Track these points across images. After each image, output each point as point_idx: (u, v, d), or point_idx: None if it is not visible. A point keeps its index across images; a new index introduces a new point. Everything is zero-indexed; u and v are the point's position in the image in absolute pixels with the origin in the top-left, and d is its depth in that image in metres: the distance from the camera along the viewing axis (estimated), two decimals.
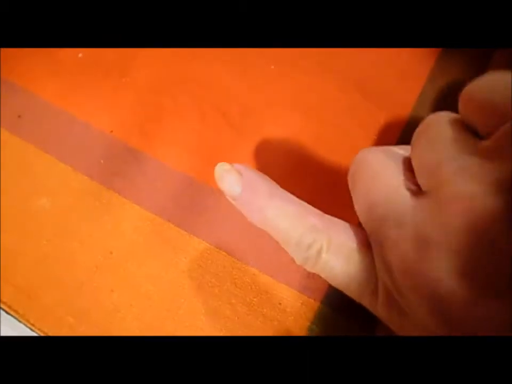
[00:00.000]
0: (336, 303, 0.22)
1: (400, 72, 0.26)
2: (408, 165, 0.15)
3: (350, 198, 0.23)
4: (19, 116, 0.26)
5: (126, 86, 0.26)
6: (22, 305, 0.22)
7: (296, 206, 0.17)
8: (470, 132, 0.14)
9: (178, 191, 0.24)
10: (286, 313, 0.22)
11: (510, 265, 0.11)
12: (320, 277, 0.22)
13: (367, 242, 0.16)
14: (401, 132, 0.25)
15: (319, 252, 0.16)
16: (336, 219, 0.17)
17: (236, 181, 0.17)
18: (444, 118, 0.15)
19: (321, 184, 0.24)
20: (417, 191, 0.14)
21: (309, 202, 0.18)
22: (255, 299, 0.22)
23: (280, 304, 0.22)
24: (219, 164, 0.18)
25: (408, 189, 0.14)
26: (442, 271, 0.12)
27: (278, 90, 0.25)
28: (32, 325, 0.22)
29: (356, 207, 0.16)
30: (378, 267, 0.15)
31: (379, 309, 0.15)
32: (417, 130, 0.15)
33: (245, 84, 0.26)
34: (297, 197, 0.18)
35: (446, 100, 0.25)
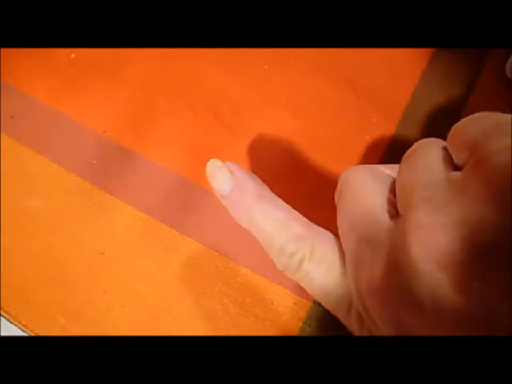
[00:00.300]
0: None
1: (393, 71, 0.26)
2: (392, 187, 0.15)
3: None
4: (12, 117, 0.26)
5: (118, 86, 0.26)
6: (14, 306, 0.22)
7: (283, 212, 0.17)
8: (451, 162, 0.14)
9: (170, 191, 0.24)
10: (279, 313, 0.22)
11: (465, 300, 0.11)
12: None
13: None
14: (394, 131, 0.24)
15: (300, 261, 0.16)
16: (322, 229, 0.17)
17: (226, 178, 0.17)
18: (430, 144, 0.15)
19: (313, 183, 0.24)
20: (395, 214, 0.14)
21: (300, 202, 0.18)
22: (247, 299, 0.22)
23: (272, 304, 0.22)
24: (211, 160, 0.18)
25: (388, 212, 0.14)
26: (400, 300, 0.12)
27: (270, 90, 0.25)
28: (24, 326, 0.22)
29: (338, 223, 0.16)
30: (350, 285, 0.15)
31: (352, 325, 0.15)
32: (405, 154, 0.15)
33: (238, 83, 0.26)
34: (289, 196, 0.18)
35: (439, 98, 0.25)
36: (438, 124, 0.25)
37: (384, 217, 0.14)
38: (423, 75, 0.26)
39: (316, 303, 0.22)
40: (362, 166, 0.16)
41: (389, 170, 0.16)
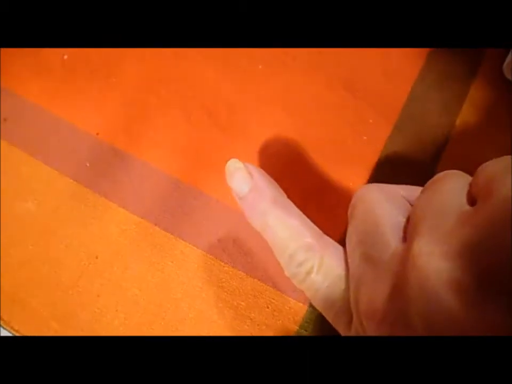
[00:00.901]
0: None
1: (389, 71, 0.25)
2: (406, 212, 0.15)
3: (336, 199, 0.23)
4: (4, 119, 0.25)
5: (112, 87, 0.26)
6: (6, 311, 0.22)
7: (297, 220, 0.17)
8: (471, 199, 0.13)
9: (165, 193, 0.23)
10: (274, 317, 0.21)
11: (458, 327, 0.11)
12: None
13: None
14: (391, 131, 0.24)
15: (308, 272, 0.16)
16: (332, 242, 0.17)
17: (245, 180, 0.18)
18: (454, 176, 0.14)
19: (309, 184, 0.23)
20: (404, 239, 0.14)
21: (295, 203, 0.18)
22: (242, 303, 0.21)
23: (267, 308, 0.21)
24: (232, 160, 0.18)
25: (397, 236, 0.14)
26: (395, 324, 0.12)
27: (265, 90, 0.25)
28: (16, 331, 0.21)
29: (347, 238, 0.16)
30: (351, 302, 0.15)
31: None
32: (428, 182, 0.15)
33: (232, 83, 0.25)
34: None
35: (436, 98, 0.25)
36: (435, 123, 0.24)
37: (392, 240, 0.14)
38: (419, 75, 0.25)
39: (312, 307, 0.21)
40: (379, 184, 0.16)
41: (404, 191, 0.16)
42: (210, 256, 0.22)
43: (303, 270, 0.16)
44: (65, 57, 0.26)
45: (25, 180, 0.24)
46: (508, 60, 0.24)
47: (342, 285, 0.16)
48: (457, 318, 0.11)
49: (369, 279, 0.14)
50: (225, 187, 0.23)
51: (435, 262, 0.12)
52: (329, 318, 0.16)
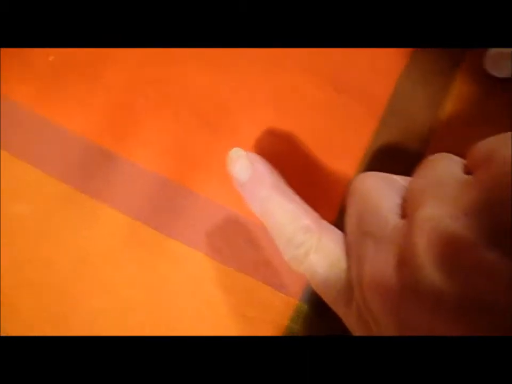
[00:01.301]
0: (315, 301, 0.22)
1: (375, 68, 0.26)
2: (404, 195, 0.15)
3: (327, 197, 0.23)
4: None
5: (99, 88, 0.26)
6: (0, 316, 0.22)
7: (295, 204, 0.18)
8: (465, 171, 0.14)
9: (154, 193, 0.23)
10: (265, 312, 0.22)
11: (475, 288, 0.11)
12: (298, 275, 0.22)
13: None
14: (377, 127, 0.25)
15: (307, 252, 0.16)
16: (330, 225, 0.18)
17: (246, 167, 0.19)
18: (444, 157, 0.15)
19: (300, 182, 0.24)
20: (403, 216, 0.14)
21: None
22: (233, 299, 0.22)
23: (259, 303, 0.22)
24: (234, 149, 0.19)
25: (396, 214, 0.15)
26: (401, 292, 0.13)
27: (254, 90, 0.25)
28: (8, 334, 0.21)
29: (346, 221, 0.17)
30: (352, 279, 0.15)
31: (350, 320, 0.16)
32: (419, 166, 0.16)
33: (220, 83, 0.25)
34: None
35: (421, 93, 0.25)
36: (420, 118, 0.25)
37: (391, 217, 0.14)
38: (404, 71, 0.26)
39: (302, 301, 0.22)
40: (378, 172, 0.17)
41: (404, 181, 0.16)
42: (201, 254, 0.22)
43: (302, 251, 0.16)
44: (51, 58, 0.26)
45: (13, 183, 0.24)
46: (488, 54, 0.25)
47: (341, 265, 0.16)
48: (473, 269, 0.11)
49: (371, 254, 0.14)
50: (214, 185, 0.24)
51: (444, 222, 0.12)
52: (329, 299, 0.17)
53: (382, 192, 0.15)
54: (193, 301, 0.22)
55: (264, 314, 0.21)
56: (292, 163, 0.24)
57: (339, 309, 0.16)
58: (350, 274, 0.16)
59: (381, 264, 0.13)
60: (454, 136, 0.24)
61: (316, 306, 0.22)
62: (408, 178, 0.16)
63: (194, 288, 0.22)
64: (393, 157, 0.24)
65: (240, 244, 0.22)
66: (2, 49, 0.27)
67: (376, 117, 0.25)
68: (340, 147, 0.24)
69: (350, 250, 0.16)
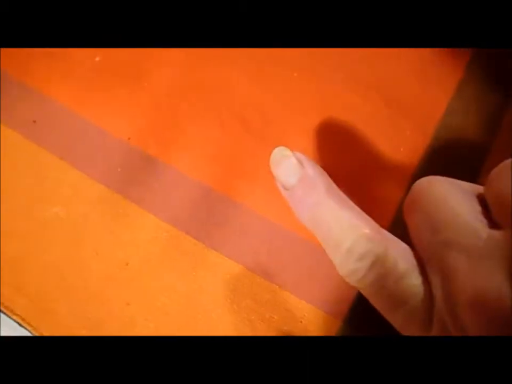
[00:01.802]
0: (358, 322, 0.21)
1: (426, 81, 0.25)
2: (479, 200, 0.14)
3: (376, 211, 0.23)
4: (34, 121, 0.25)
5: (143, 92, 0.25)
6: (35, 318, 0.21)
7: (353, 212, 0.15)
8: None
9: (196, 201, 0.23)
10: (307, 331, 0.21)
11: None
12: (342, 294, 0.21)
13: (424, 269, 0.14)
14: (428, 143, 0.24)
15: (372, 266, 0.14)
16: (394, 236, 0.15)
17: (294, 170, 0.16)
18: None
19: (347, 194, 0.23)
20: (492, 225, 0.13)
21: None
22: (275, 316, 0.21)
23: (301, 322, 0.21)
24: (279, 148, 0.17)
25: (481, 222, 0.13)
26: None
27: (300, 98, 0.25)
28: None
29: (413, 233, 0.15)
30: (436, 296, 0.14)
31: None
32: (497, 167, 0.14)
33: (266, 90, 0.25)
34: None
35: (474, 110, 0.24)
36: (474, 136, 0.24)
37: (480, 226, 0.13)
38: (458, 86, 0.25)
39: (345, 322, 0.21)
40: (440, 177, 0.15)
41: (471, 188, 0.14)
42: (243, 267, 0.22)
43: (365, 264, 0.14)
44: (97, 59, 0.26)
45: (54, 184, 0.24)
46: None
47: (414, 280, 0.14)
48: None
49: (465, 268, 0.12)
50: (258, 196, 0.23)
51: None
52: (396, 318, 0.14)
53: (458, 197, 0.14)
54: (231, 314, 0.21)
55: (306, 333, 0.21)
56: (338, 174, 0.23)
57: (411, 329, 0.14)
58: (428, 290, 0.14)
59: (484, 281, 0.12)
60: (509, 157, 0.23)
61: (359, 327, 0.21)
62: (474, 185, 0.15)
63: (234, 301, 0.21)
64: (446, 173, 0.23)
65: (283, 260, 0.22)
66: (46, 48, 0.26)
67: (428, 134, 0.24)
68: (390, 163, 0.23)
69: (428, 264, 0.14)
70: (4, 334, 0.21)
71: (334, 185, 0.16)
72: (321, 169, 0.17)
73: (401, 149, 0.23)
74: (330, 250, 0.15)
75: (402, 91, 0.25)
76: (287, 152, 0.17)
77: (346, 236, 0.14)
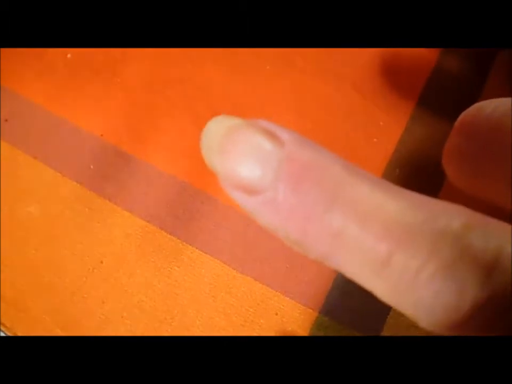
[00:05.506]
0: (335, 312, 0.21)
1: (399, 73, 0.25)
2: None
3: None
4: (6, 120, 0.25)
5: (116, 88, 0.25)
6: (9, 317, 0.21)
7: (413, 195, 0.09)
8: None
9: (171, 197, 0.23)
10: (283, 323, 0.21)
11: None
12: (318, 286, 0.21)
13: None
14: (401, 134, 0.24)
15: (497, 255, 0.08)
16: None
17: (263, 152, 0.09)
18: None
19: None
20: None
21: None
22: (251, 309, 0.21)
23: (276, 314, 0.21)
24: (216, 119, 0.10)
25: None
26: None
27: (273, 91, 0.25)
28: (17, 335, 0.21)
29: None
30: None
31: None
32: None
33: (240, 84, 0.25)
34: None
35: (448, 100, 0.24)
36: (446, 126, 0.24)
37: None
38: (430, 76, 0.25)
39: (322, 312, 0.21)
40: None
41: None
42: (218, 261, 0.22)
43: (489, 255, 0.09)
44: (69, 56, 0.26)
45: (27, 183, 0.24)
46: None
47: None
48: None
49: None
50: None
51: None
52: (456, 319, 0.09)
53: None
54: (207, 308, 0.21)
55: (282, 326, 0.21)
56: None
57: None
58: None
59: None
60: None
61: (336, 318, 0.21)
62: None
63: (210, 296, 0.21)
64: (418, 166, 0.23)
65: (259, 253, 0.22)
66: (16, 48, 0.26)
67: (401, 124, 0.24)
68: (362, 153, 0.24)
69: None
70: None
71: (348, 163, 0.10)
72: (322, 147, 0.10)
73: (375, 140, 0.23)
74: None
75: (375, 82, 0.25)
76: (237, 120, 0.09)
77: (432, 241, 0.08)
